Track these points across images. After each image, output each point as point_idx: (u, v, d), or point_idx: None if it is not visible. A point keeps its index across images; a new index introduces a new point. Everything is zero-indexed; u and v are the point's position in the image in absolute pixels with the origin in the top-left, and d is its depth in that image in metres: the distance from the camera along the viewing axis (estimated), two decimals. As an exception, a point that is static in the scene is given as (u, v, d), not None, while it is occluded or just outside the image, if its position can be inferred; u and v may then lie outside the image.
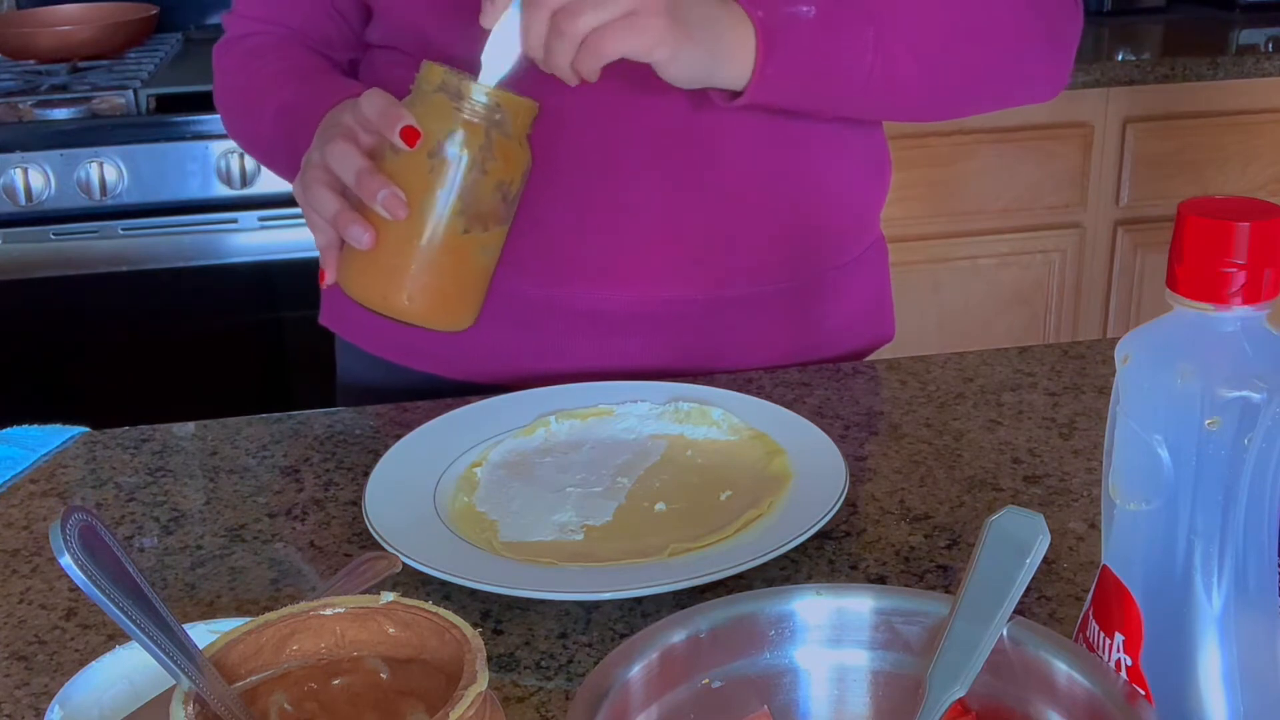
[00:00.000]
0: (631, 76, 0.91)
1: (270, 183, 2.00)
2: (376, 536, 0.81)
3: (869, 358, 1.16)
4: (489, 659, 0.59)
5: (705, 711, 0.57)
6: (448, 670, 0.51)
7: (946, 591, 0.77)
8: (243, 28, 1.14)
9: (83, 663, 0.66)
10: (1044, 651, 0.55)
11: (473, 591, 0.78)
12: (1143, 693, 0.54)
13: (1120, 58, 2.37)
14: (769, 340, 1.10)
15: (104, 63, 2.25)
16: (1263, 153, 2.45)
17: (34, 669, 0.74)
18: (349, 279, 0.89)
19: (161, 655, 0.49)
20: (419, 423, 0.96)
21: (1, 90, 2.11)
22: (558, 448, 0.95)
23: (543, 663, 0.73)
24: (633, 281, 1.04)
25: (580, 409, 0.98)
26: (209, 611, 0.79)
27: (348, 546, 0.85)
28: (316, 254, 0.93)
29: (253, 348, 2.16)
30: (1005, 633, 0.55)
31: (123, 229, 2.05)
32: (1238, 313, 0.51)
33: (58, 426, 1.03)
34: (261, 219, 2.05)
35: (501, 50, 0.87)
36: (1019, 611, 0.55)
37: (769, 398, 0.99)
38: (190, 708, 0.48)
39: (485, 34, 0.86)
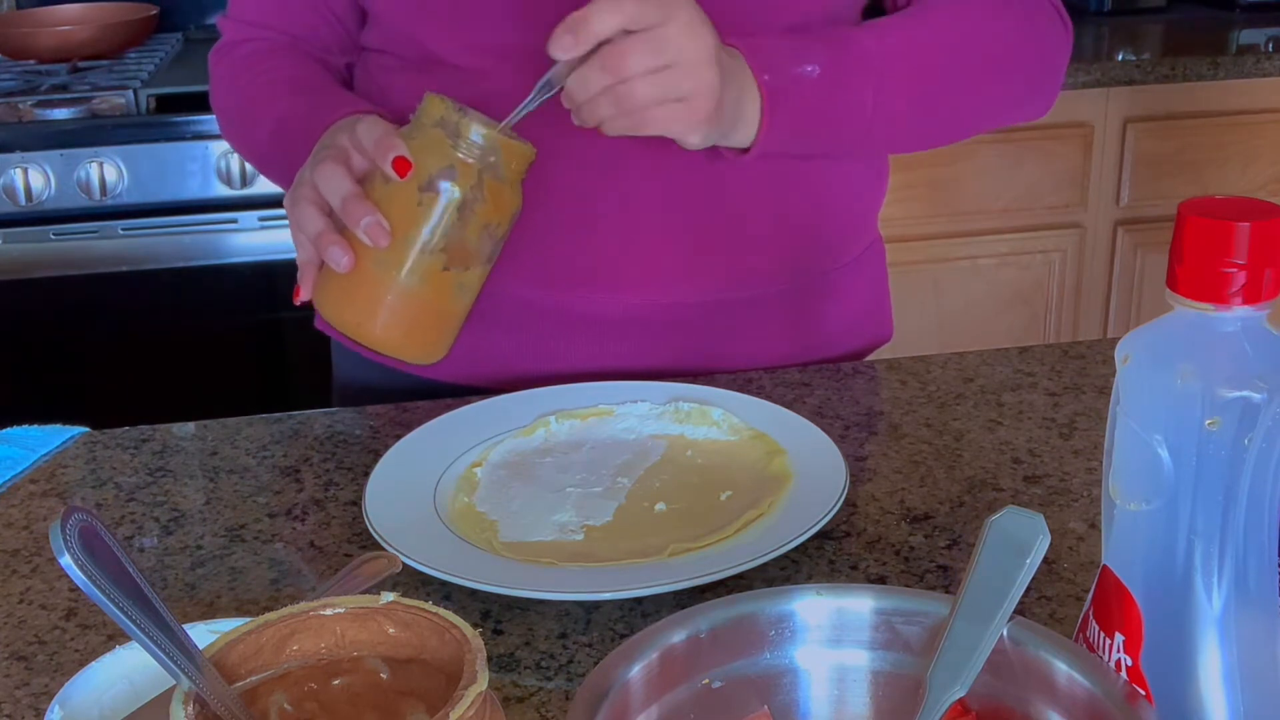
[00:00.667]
0: None
1: (270, 183, 1.99)
2: (376, 536, 0.81)
3: (868, 358, 1.16)
4: (489, 659, 0.59)
5: (705, 711, 0.57)
6: (448, 670, 0.51)
7: (947, 591, 0.77)
8: (238, 33, 1.13)
9: (83, 663, 0.66)
10: (1044, 651, 0.55)
11: (473, 591, 0.78)
12: (1143, 693, 0.54)
13: (1120, 58, 2.37)
14: (767, 343, 1.10)
15: (104, 63, 2.25)
16: (1263, 153, 2.45)
17: (34, 669, 0.74)
18: (324, 300, 0.89)
19: (161, 655, 0.49)
20: (419, 423, 0.97)
21: (1, 90, 2.11)
22: (558, 448, 0.95)
23: (543, 663, 0.73)
24: (628, 285, 1.04)
25: (580, 409, 0.98)
26: (209, 611, 0.79)
27: (348, 546, 0.85)
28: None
29: (252, 348, 2.16)
30: (1005, 633, 0.55)
31: (123, 229, 2.05)
32: (1238, 313, 0.51)
33: (58, 426, 1.03)
34: (261, 219, 2.05)
35: (545, 85, 0.87)
36: (1019, 611, 0.55)
37: (769, 398, 0.99)
38: (190, 708, 0.48)
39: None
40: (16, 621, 0.78)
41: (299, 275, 0.91)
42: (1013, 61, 1.03)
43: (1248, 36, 2.56)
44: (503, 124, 0.87)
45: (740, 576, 0.78)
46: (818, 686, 0.59)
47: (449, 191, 0.84)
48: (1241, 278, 0.51)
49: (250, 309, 2.11)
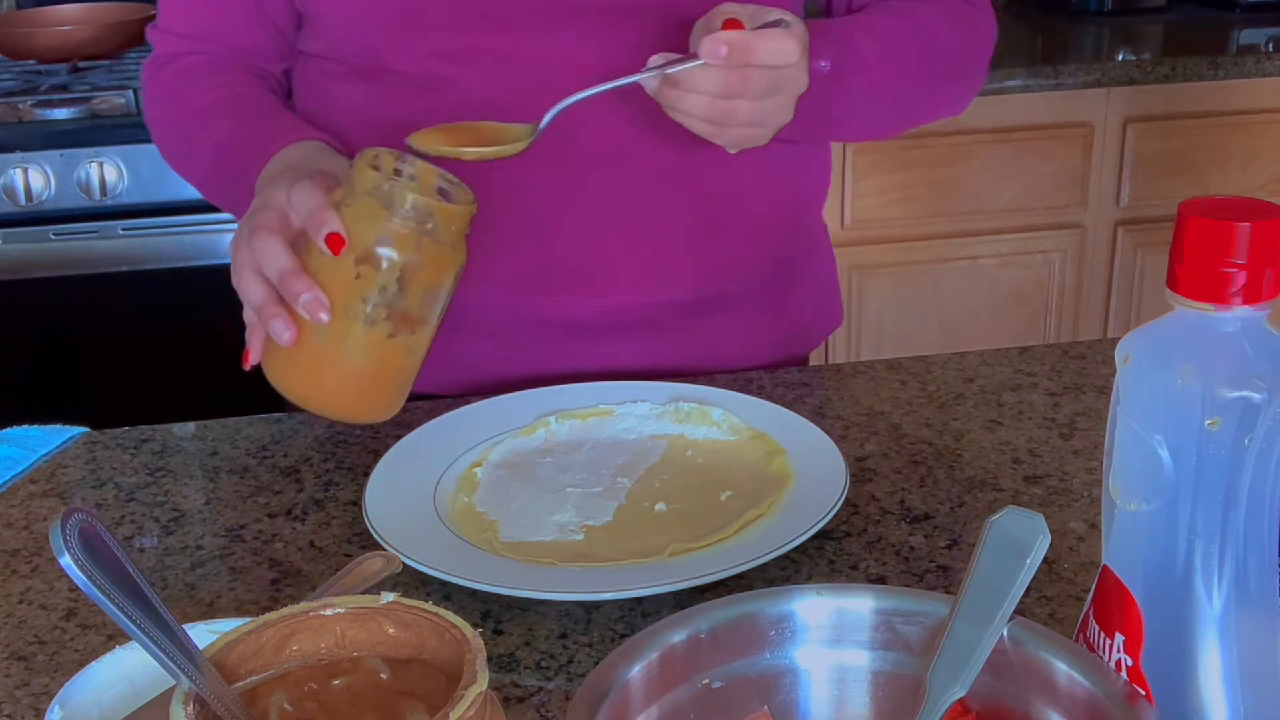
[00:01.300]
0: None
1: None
2: (376, 536, 0.81)
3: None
4: (489, 659, 0.59)
5: (705, 711, 0.57)
6: (448, 670, 0.51)
7: (947, 592, 0.77)
8: (171, 46, 1.10)
9: (83, 663, 0.66)
10: (1044, 652, 0.55)
11: (473, 591, 0.78)
12: (1143, 693, 0.54)
13: (1120, 58, 2.37)
14: (741, 338, 1.11)
15: (104, 63, 2.24)
16: (1263, 153, 2.45)
17: (34, 669, 0.74)
18: (271, 368, 0.87)
19: (161, 655, 0.49)
20: (419, 423, 0.97)
21: (1, 90, 2.11)
22: (558, 448, 0.95)
23: (543, 663, 0.73)
24: (602, 288, 1.04)
25: (580, 409, 0.98)
26: (209, 611, 0.79)
27: (348, 546, 0.85)
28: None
29: (253, 348, 2.16)
30: (1005, 633, 0.55)
31: (123, 229, 2.05)
32: (1238, 313, 0.51)
33: (58, 426, 1.03)
34: (261, 219, 2.05)
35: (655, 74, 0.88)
36: (1019, 611, 0.55)
37: (769, 398, 0.99)
38: (190, 708, 0.48)
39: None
40: (16, 621, 0.78)
41: (247, 337, 0.89)
42: (965, 66, 1.10)
43: (1248, 36, 2.56)
44: (567, 102, 0.87)
45: (740, 576, 0.78)
46: (818, 686, 0.59)
47: (387, 262, 0.81)
48: (1241, 278, 0.51)
49: (250, 309, 2.11)
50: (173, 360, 2.14)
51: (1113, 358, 0.55)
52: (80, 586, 0.48)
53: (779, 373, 1.08)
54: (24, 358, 2.13)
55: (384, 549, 0.79)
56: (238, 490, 0.93)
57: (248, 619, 0.53)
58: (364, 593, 0.72)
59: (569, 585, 0.77)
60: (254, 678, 0.52)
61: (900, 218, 2.38)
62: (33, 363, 2.13)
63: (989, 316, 2.47)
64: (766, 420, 0.95)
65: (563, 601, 0.77)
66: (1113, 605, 0.56)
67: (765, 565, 0.79)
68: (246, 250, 0.85)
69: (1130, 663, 0.55)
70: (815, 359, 2.47)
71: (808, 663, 0.59)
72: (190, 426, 1.03)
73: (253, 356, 0.88)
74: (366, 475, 0.89)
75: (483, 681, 0.48)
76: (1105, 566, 0.57)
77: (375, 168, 0.84)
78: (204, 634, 0.59)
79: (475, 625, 0.66)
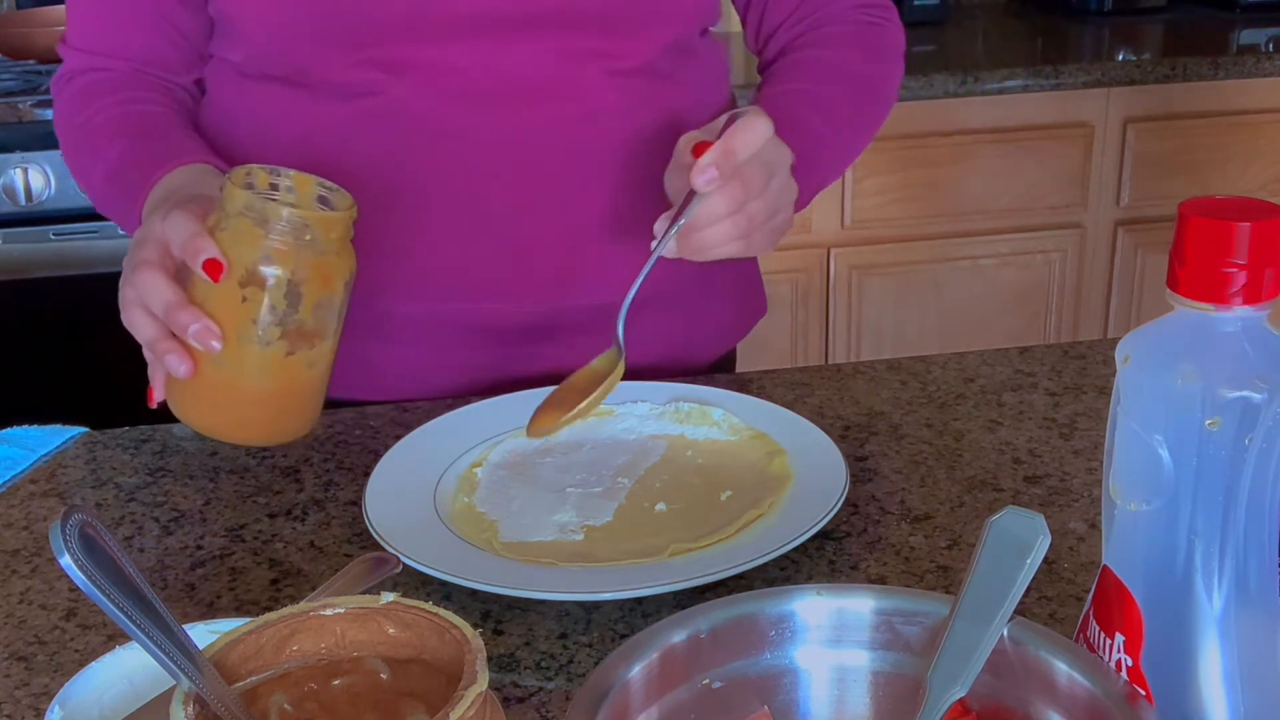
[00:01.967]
0: (510, 99, 0.98)
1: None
2: (376, 536, 0.81)
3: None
4: (489, 659, 0.59)
5: (706, 712, 0.57)
6: (448, 670, 0.51)
7: (947, 592, 0.77)
8: (77, 62, 1.08)
9: (83, 663, 0.66)
10: (1044, 652, 0.55)
11: (473, 592, 0.78)
12: (1143, 693, 0.54)
13: (1121, 58, 2.37)
14: (669, 337, 1.11)
15: (104, 63, 2.24)
16: (1264, 153, 2.45)
17: (34, 669, 0.74)
18: (176, 403, 0.86)
19: (161, 655, 0.49)
20: (419, 423, 0.96)
21: (1, 90, 2.11)
22: (558, 448, 0.94)
23: (543, 663, 0.73)
24: (526, 292, 1.04)
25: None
26: (209, 611, 0.79)
27: (348, 546, 0.85)
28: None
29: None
30: (1006, 633, 0.55)
31: (122, 229, 2.05)
32: (1238, 313, 0.51)
33: (58, 426, 1.03)
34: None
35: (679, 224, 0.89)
36: (1019, 611, 0.55)
37: (769, 398, 0.99)
38: (190, 708, 0.48)
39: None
40: (16, 621, 0.78)
41: (150, 375, 0.87)
42: (887, 94, 1.15)
43: (1248, 36, 2.56)
44: (625, 305, 0.88)
45: (740, 576, 0.78)
46: (818, 687, 0.59)
47: (271, 280, 0.80)
48: (1242, 278, 0.51)
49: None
50: (173, 360, 2.13)
51: (1113, 358, 0.55)
52: (80, 586, 0.48)
53: (779, 373, 1.08)
54: (24, 358, 2.13)
55: (384, 549, 0.79)
56: (238, 490, 0.93)
57: (248, 619, 0.53)
58: (364, 593, 0.72)
59: (569, 585, 0.77)
60: (254, 678, 0.52)
61: (900, 218, 2.38)
62: (33, 363, 2.13)
63: (989, 316, 2.47)
64: (766, 420, 0.95)
65: (563, 601, 0.77)
66: (1113, 605, 0.56)
67: (765, 565, 0.79)
68: (131, 288, 0.83)
69: (1130, 663, 0.55)
70: (815, 359, 2.48)
71: (808, 663, 0.59)
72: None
73: (156, 394, 0.87)
74: (366, 475, 0.89)
75: (483, 682, 0.48)
76: (1105, 566, 0.57)
77: (250, 186, 0.82)
78: (204, 634, 0.59)
79: (475, 625, 0.66)
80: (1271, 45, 2.44)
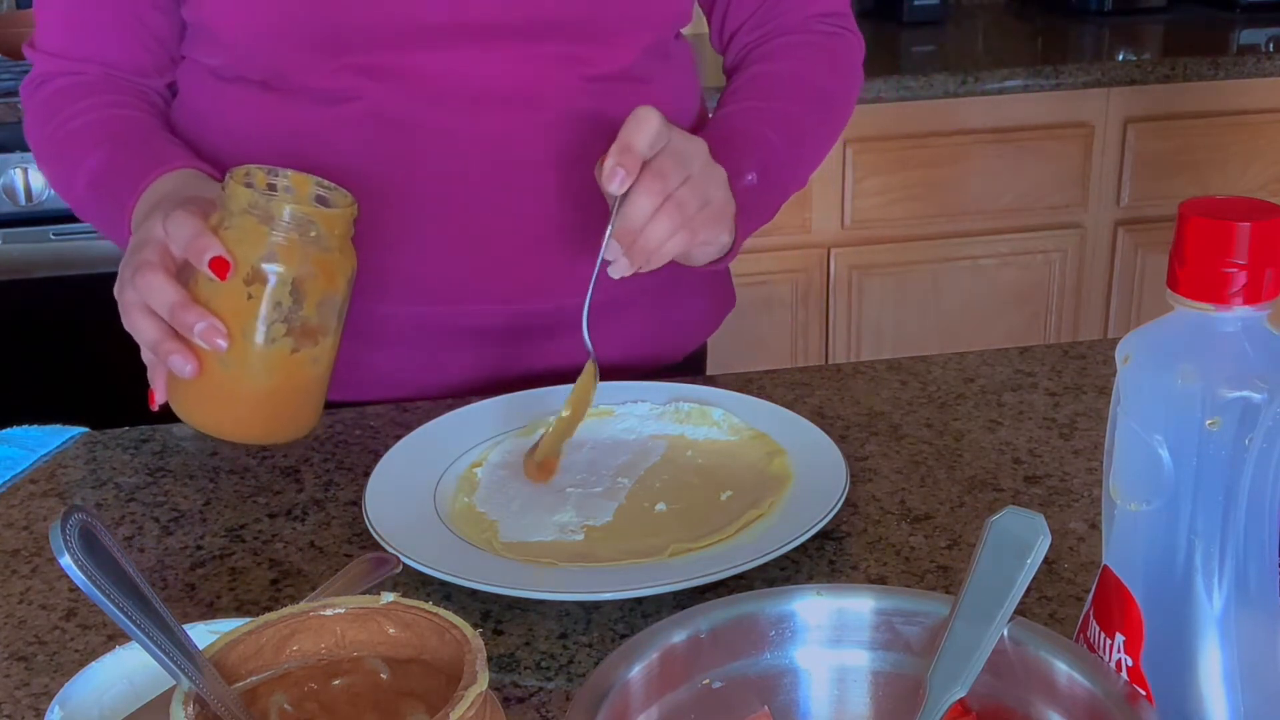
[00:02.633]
0: (488, 104, 0.98)
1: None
2: (376, 536, 0.81)
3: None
4: (489, 659, 0.59)
5: (706, 712, 0.57)
6: (448, 670, 0.51)
7: (947, 592, 0.77)
8: (48, 66, 1.07)
9: (83, 663, 0.66)
10: (1044, 652, 0.55)
11: (473, 592, 0.78)
12: (1143, 693, 0.54)
13: (1121, 58, 2.37)
14: (640, 335, 1.12)
15: (104, 63, 2.24)
16: (1264, 153, 2.45)
17: (34, 669, 0.74)
18: (179, 403, 0.86)
19: (161, 655, 0.49)
20: (419, 423, 0.96)
21: (1, 90, 2.11)
22: (558, 448, 0.95)
23: (543, 663, 0.73)
24: (509, 294, 1.04)
25: (580, 409, 0.98)
26: (209, 612, 0.79)
27: (348, 547, 0.85)
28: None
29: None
30: (1006, 633, 0.55)
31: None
32: (1238, 313, 0.51)
33: (58, 426, 1.03)
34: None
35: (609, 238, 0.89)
36: (1020, 612, 0.55)
37: (769, 398, 0.99)
38: (190, 708, 0.48)
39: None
40: (16, 621, 0.78)
41: (150, 377, 0.87)
42: (844, 109, 1.16)
43: (1248, 36, 2.56)
44: (586, 305, 0.89)
45: (740, 577, 0.78)
46: (818, 687, 0.59)
47: (276, 277, 0.80)
48: (1242, 278, 0.51)
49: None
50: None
51: (1113, 358, 0.55)
52: (80, 586, 0.48)
53: (779, 373, 1.08)
54: (24, 358, 2.13)
55: (384, 549, 0.79)
56: (238, 490, 0.93)
57: (248, 619, 0.53)
58: (364, 593, 0.72)
59: (569, 585, 0.77)
60: (254, 678, 0.52)
61: (900, 218, 2.38)
62: (33, 363, 2.13)
63: (989, 316, 2.47)
64: (766, 420, 0.95)
65: (563, 601, 0.77)
66: (1113, 605, 0.56)
67: (765, 565, 0.79)
68: (132, 290, 0.83)
69: (1130, 663, 0.55)
70: (815, 359, 2.48)
71: (808, 663, 0.59)
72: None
73: (158, 396, 0.87)
74: (366, 475, 0.89)
75: (483, 682, 0.48)
76: (1105, 567, 0.57)
77: (248, 185, 0.82)
78: (204, 634, 0.59)
79: (475, 625, 0.66)
80: (1271, 45, 2.44)
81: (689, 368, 1.19)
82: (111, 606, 0.48)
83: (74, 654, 0.75)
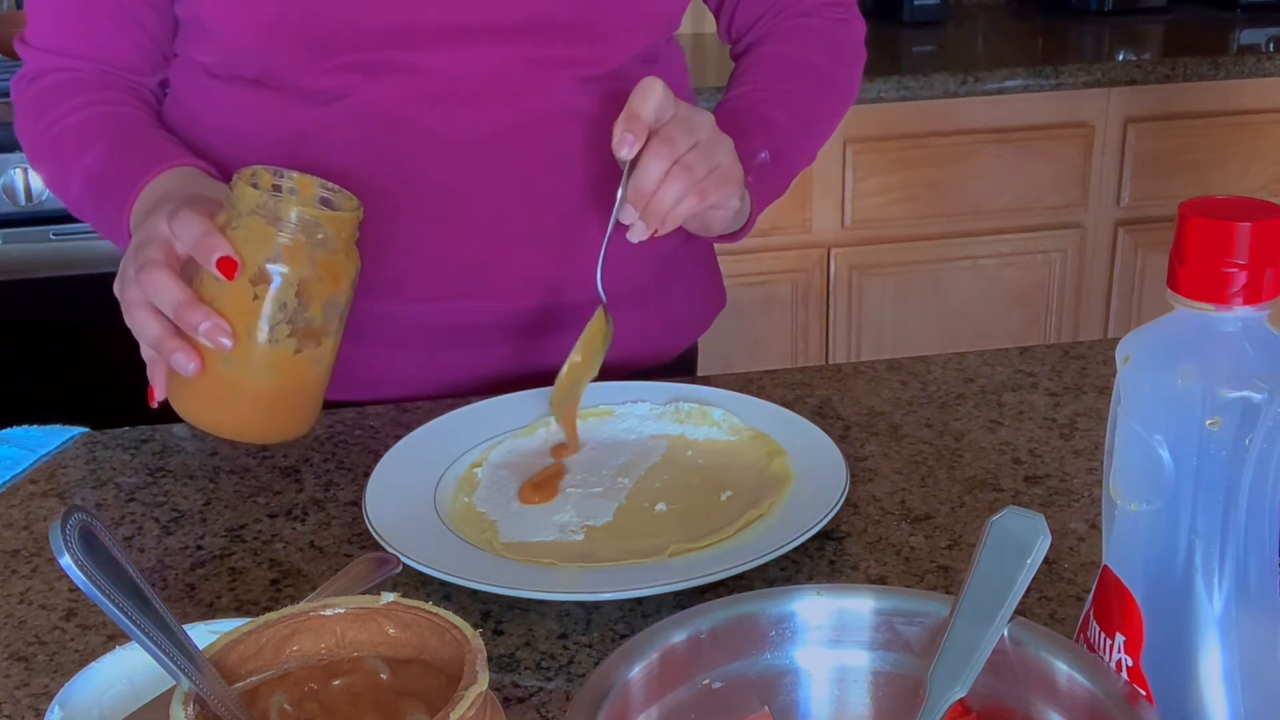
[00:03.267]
0: (483, 101, 0.98)
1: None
2: (376, 536, 0.81)
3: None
4: (489, 659, 0.59)
5: (706, 712, 0.57)
6: (448, 671, 0.51)
7: (947, 592, 0.77)
8: (40, 62, 1.05)
9: (83, 663, 0.66)
10: (1045, 652, 0.55)
11: (473, 592, 0.78)
12: (1143, 693, 0.54)
13: (1121, 58, 2.37)
14: (633, 334, 1.11)
15: (104, 63, 2.24)
16: (1264, 153, 2.45)
17: (34, 669, 0.74)
18: (179, 400, 0.86)
19: (161, 655, 0.49)
20: (419, 423, 0.96)
21: (1, 90, 2.11)
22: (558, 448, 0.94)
23: (543, 663, 0.73)
24: (502, 291, 1.04)
25: (580, 409, 0.98)
26: (209, 612, 0.79)
27: (348, 547, 0.85)
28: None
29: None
30: (1006, 633, 0.55)
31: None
32: (1239, 313, 0.51)
33: (58, 426, 1.03)
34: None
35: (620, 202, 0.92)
36: (1020, 612, 0.55)
37: (769, 398, 0.99)
38: (190, 708, 0.48)
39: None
40: (16, 621, 0.78)
41: (150, 374, 0.87)
42: (849, 91, 1.19)
43: (1248, 36, 2.56)
44: (600, 267, 0.92)
45: (740, 577, 0.78)
46: (818, 687, 0.59)
47: (282, 278, 0.81)
48: (1242, 278, 0.51)
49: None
50: (173, 360, 2.13)
51: (1113, 358, 0.55)
52: (80, 586, 0.48)
53: (779, 373, 1.08)
54: (24, 358, 2.13)
55: (384, 549, 0.79)
56: (238, 490, 0.93)
57: (248, 619, 0.53)
58: (364, 593, 0.72)
59: (569, 585, 0.77)
60: (254, 678, 0.52)
61: (900, 218, 2.38)
62: (33, 363, 2.13)
63: (989, 316, 2.47)
64: (766, 420, 0.95)
65: (563, 602, 0.77)
66: (1113, 605, 0.56)
67: (765, 565, 0.79)
68: (135, 288, 0.83)
69: (1130, 663, 0.55)
70: (815, 359, 2.48)
71: (808, 663, 0.59)
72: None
73: (158, 393, 0.87)
74: (366, 475, 0.89)
75: (483, 682, 0.48)
76: (1106, 567, 0.57)
77: (254, 185, 0.82)
78: (204, 634, 0.59)
79: (475, 625, 0.66)
80: (1271, 45, 2.44)
81: (680, 368, 1.19)
82: (111, 606, 0.48)
83: (74, 654, 0.75)
